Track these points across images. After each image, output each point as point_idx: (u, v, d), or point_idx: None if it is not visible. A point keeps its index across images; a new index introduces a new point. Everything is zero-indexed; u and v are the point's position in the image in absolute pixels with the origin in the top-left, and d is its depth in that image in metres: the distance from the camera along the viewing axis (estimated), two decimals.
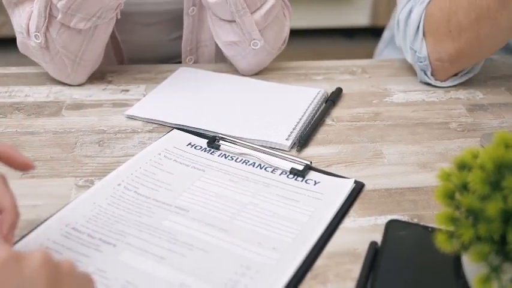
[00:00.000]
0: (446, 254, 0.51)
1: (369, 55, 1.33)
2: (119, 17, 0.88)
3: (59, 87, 0.91)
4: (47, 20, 0.82)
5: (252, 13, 0.87)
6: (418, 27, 0.91)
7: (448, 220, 0.46)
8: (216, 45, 1.06)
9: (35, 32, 0.83)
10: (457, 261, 0.54)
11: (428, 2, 0.90)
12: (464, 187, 0.47)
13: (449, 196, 0.48)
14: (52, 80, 0.92)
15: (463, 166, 0.49)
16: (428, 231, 0.59)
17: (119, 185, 0.67)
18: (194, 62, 1.06)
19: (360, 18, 3.17)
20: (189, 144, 0.76)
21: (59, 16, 0.81)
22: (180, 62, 1.07)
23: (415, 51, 0.92)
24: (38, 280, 0.36)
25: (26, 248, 0.56)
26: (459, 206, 0.47)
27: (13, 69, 0.97)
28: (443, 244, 0.46)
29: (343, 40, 3.27)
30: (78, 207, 0.63)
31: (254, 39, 0.89)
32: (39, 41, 0.84)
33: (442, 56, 0.89)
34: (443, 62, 0.90)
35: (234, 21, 0.88)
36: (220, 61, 1.09)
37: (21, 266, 0.36)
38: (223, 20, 0.89)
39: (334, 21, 3.17)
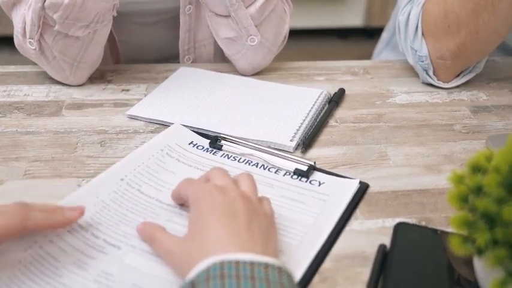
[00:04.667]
0: (457, 257, 0.51)
1: (363, 55, 1.32)
2: (115, 15, 0.86)
3: (58, 87, 0.89)
4: (40, 28, 0.80)
5: (246, 7, 0.86)
6: (417, 26, 0.90)
7: (463, 224, 0.45)
8: (215, 45, 1.05)
9: (29, 38, 0.82)
10: (468, 265, 0.53)
11: (425, 2, 0.89)
12: (478, 190, 0.46)
13: (463, 199, 0.47)
14: (51, 79, 0.90)
15: (477, 169, 0.48)
16: (437, 234, 0.59)
17: (121, 179, 0.66)
18: (192, 62, 1.05)
19: (353, 18, 3.18)
20: (191, 143, 0.75)
21: (56, 26, 0.79)
22: (178, 62, 1.05)
23: (416, 51, 0.91)
24: (237, 205, 0.53)
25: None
26: (473, 209, 0.46)
27: (12, 68, 0.96)
28: (458, 248, 0.46)
29: (337, 40, 3.27)
30: (81, 200, 0.61)
31: (251, 35, 0.88)
32: (33, 47, 0.83)
33: (443, 53, 0.88)
34: (445, 59, 0.89)
35: (230, 16, 0.87)
36: (219, 61, 1.08)
37: (224, 192, 0.54)
38: (220, 15, 0.88)
39: (328, 21, 3.17)
